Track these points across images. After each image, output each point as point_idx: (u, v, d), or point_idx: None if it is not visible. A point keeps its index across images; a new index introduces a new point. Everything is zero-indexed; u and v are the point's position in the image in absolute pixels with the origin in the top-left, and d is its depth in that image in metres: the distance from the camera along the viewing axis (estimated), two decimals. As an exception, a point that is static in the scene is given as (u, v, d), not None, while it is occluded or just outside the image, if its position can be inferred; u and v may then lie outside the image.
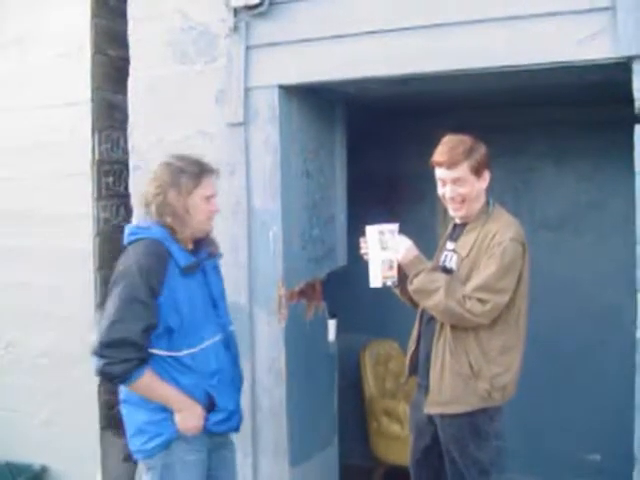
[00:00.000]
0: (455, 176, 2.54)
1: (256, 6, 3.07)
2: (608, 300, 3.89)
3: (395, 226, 2.65)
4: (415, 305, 2.79)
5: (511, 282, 2.50)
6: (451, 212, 2.67)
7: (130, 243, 2.41)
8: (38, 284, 3.80)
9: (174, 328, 2.33)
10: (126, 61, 3.48)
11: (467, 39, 2.75)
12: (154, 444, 2.35)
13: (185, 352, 2.35)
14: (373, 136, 4.31)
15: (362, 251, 2.69)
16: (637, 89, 2.50)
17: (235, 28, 3.13)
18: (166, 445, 2.36)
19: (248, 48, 3.14)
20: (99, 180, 3.68)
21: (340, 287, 3.86)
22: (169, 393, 2.33)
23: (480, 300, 2.46)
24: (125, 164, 3.60)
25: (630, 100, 2.53)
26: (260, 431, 3.25)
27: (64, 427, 3.77)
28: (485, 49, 2.73)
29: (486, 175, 2.60)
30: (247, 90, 3.16)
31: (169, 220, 2.36)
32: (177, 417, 2.34)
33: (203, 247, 2.52)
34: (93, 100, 3.63)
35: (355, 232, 2.85)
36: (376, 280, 2.65)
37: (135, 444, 2.41)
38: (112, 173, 3.76)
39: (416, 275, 2.57)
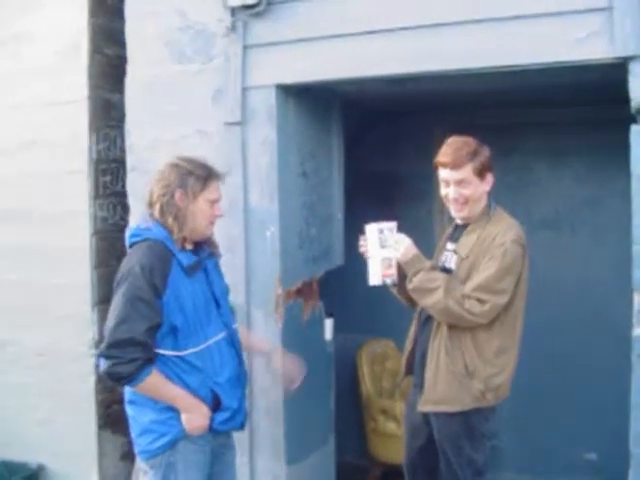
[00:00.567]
0: (459, 177, 2.55)
1: (253, 6, 3.07)
2: (602, 299, 3.90)
3: (393, 224, 2.66)
4: (412, 305, 2.80)
5: (511, 283, 2.52)
6: (453, 213, 2.68)
7: (132, 245, 2.41)
8: (35, 282, 3.80)
9: (179, 327, 2.33)
10: (123, 60, 3.48)
11: (464, 39, 2.75)
12: (160, 444, 2.35)
13: (190, 351, 2.35)
14: (370, 135, 4.32)
15: (361, 249, 2.70)
16: (633, 89, 2.51)
17: (232, 28, 3.13)
18: (171, 445, 2.35)
19: (245, 48, 3.14)
20: (96, 179, 3.68)
21: (337, 286, 3.87)
22: (176, 393, 2.33)
23: (479, 300, 2.47)
24: (122, 163, 3.60)
25: (626, 100, 2.53)
26: (257, 430, 3.26)
27: (61, 426, 3.77)
28: (482, 49, 2.73)
29: (489, 178, 2.61)
30: (244, 90, 3.16)
31: (170, 221, 2.36)
32: (184, 417, 2.34)
33: (204, 246, 2.52)
34: (90, 99, 3.63)
35: (352, 231, 2.85)
36: (376, 278, 2.66)
37: (140, 444, 2.40)
38: (109, 172, 3.76)
39: (415, 274, 2.57)
